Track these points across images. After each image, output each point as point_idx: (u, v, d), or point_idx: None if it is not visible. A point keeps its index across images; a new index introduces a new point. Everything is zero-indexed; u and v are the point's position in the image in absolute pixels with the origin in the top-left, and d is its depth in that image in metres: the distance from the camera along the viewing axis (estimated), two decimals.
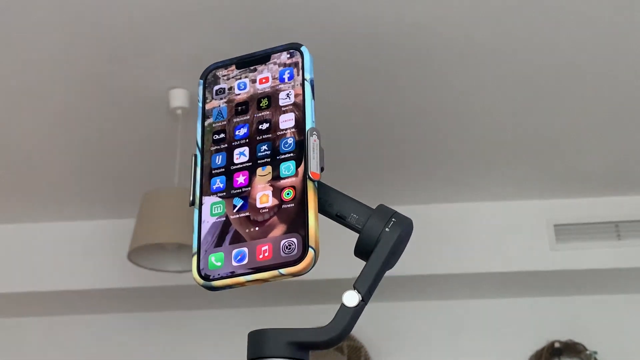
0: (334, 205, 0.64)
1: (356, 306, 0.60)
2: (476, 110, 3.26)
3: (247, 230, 0.60)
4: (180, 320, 4.36)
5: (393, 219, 0.63)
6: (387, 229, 0.62)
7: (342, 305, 0.60)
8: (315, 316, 4.22)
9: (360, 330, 4.23)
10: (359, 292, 0.61)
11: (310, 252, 0.58)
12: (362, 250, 0.63)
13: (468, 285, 4.12)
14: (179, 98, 3.05)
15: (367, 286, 0.61)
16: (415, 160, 3.67)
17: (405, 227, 0.64)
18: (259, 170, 0.62)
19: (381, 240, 0.62)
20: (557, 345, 4.08)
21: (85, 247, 4.13)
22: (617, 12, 2.65)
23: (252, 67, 0.68)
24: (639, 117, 3.32)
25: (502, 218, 4.07)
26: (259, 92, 0.66)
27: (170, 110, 3.08)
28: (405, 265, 4.21)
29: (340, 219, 0.64)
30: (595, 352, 4.02)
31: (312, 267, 0.58)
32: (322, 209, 0.63)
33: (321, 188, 0.63)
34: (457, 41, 2.80)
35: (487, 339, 4.18)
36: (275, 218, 0.60)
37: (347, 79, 3.01)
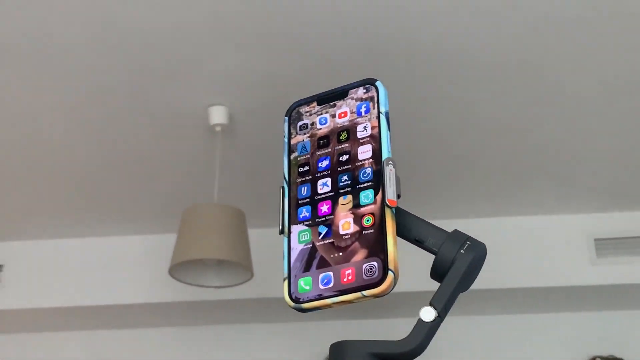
0: (412, 230, 0.68)
1: (432, 321, 0.64)
2: (517, 126, 3.24)
3: (331, 256, 0.64)
4: (219, 334, 4.38)
5: (468, 242, 0.67)
6: (462, 251, 0.67)
7: (420, 320, 0.64)
8: (359, 329, 4.26)
9: None
10: (435, 309, 0.65)
11: (390, 274, 0.61)
12: (438, 271, 0.67)
13: (508, 300, 4.09)
14: (218, 115, 3.08)
15: (443, 303, 0.65)
16: (455, 175, 3.67)
17: (479, 251, 0.68)
18: (341, 199, 0.66)
19: (457, 262, 0.66)
20: None
21: (126, 262, 4.17)
22: None
23: (331, 103, 0.72)
24: None
25: (542, 232, 4.04)
26: (339, 126, 0.70)
27: (210, 127, 3.11)
28: None
29: (418, 242, 0.68)
30: None
31: (392, 289, 0.62)
32: (401, 233, 0.66)
33: (399, 213, 0.66)
34: (496, 59, 2.80)
35: (527, 354, 4.14)
36: (357, 244, 0.64)
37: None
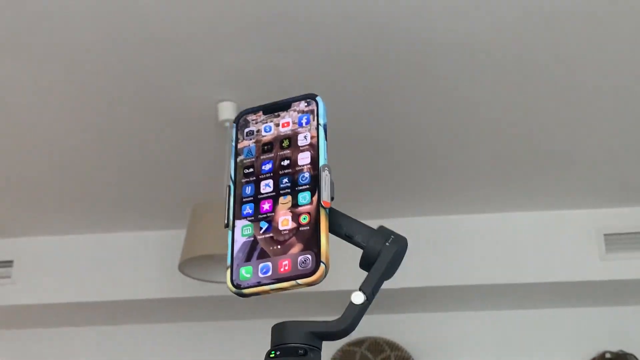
0: (343, 227, 0.77)
1: (362, 304, 0.73)
2: (524, 118, 3.24)
3: (271, 248, 0.72)
4: (228, 329, 4.40)
5: (392, 236, 0.77)
6: (387, 244, 0.76)
7: (350, 302, 0.73)
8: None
9: (408, 341, 4.22)
10: (364, 293, 0.73)
11: (322, 266, 0.70)
12: (366, 262, 0.76)
13: (517, 295, 4.09)
14: (227, 111, 3.08)
15: (371, 288, 0.74)
16: (465, 171, 3.67)
17: (402, 244, 0.77)
18: (281, 199, 0.75)
19: (382, 253, 0.75)
20: (607, 355, 4.03)
21: (135, 258, 4.19)
22: None
23: (276, 113, 0.81)
24: None
25: (552, 228, 4.03)
26: (282, 134, 0.79)
27: (219, 123, 3.12)
28: (455, 275, 4.22)
29: (348, 237, 0.77)
30: None
31: (324, 279, 0.70)
32: (333, 230, 0.75)
33: (332, 213, 0.75)
34: (497, 54, 2.80)
35: (536, 349, 4.14)
36: (294, 238, 0.72)
37: (357, 89, 3.03)
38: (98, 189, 3.82)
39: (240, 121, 0.82)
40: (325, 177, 0.74)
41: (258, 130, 0.80)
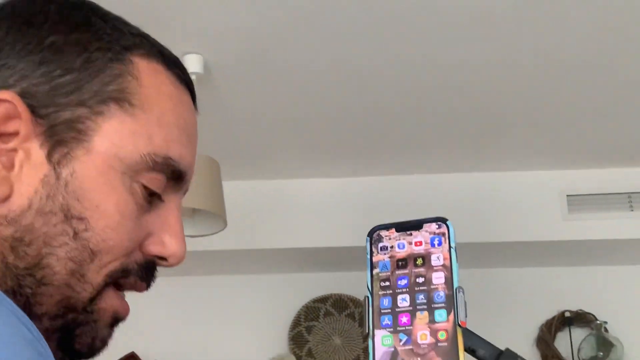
0: (468, 341, 0.86)
1: None
2: (487, 80, 3.24)
3: (411, 359, 0.77)
4: (192, 285, 4.40)
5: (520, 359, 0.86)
6: None
7: None
8: (318, 284, 4.30)
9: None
10: None
11: None
12: None
13: (479, 254, 4.13)
14: (193, 64, 3.05)
15: None
16: (427, 131, 3.67)
17: None
18: (418, 314, 0.79)
19: None
20: (567, 314, 4.10)
21: None
22: None
23: (408, 232, 0.85)
24: None
25: (515, 188, 4.07)
26: (415, 252, 0.83)
27: None
28: None
29: (472, 351, 0.86)
30: (606, 322, 4.04)
31: None
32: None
33: (465, 333, 0.82)
34: (468, 14, 2.79)
35: (498, 308, 4.20)
36: (433, 352, 0.76)
37: (345, 38, 3.01)
38: None
39: (374, 236, 0.86)
40: (460, 298, 0.80)
41: (392, 247, 0.84)
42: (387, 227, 0.86)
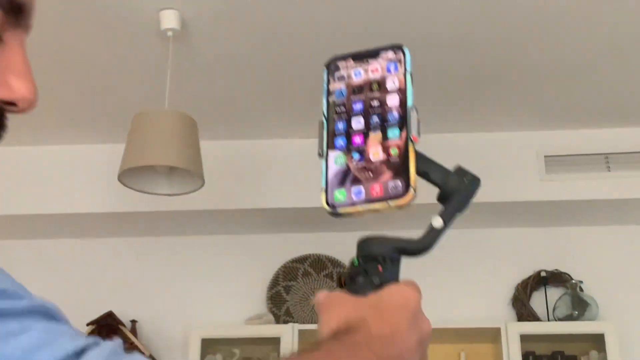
0: (421, 165, 0.83)
1: (440, 228, 0.83)
2: (461, 38, 3.23)
3: (363, 175, 0.81)
4: (171, 245, 4.39)
5: (469, 175, 0.86)
6: (465, 181, 0.85)
7: (431, 226, 0.83)
8: (297, 244, 4.30)
9: (350, 257, 4.26)
10: (444, 220, 0.83)
11: (411, 190, 0.79)
12: (444, 197, 0.85)
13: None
14: (170, 19, 3.01)
15: (449, 217, 0.84)
16: None
17: (477, 183, 0.86)
18: (372, 134, 0.83)
19: (461, 189, 0.85)
20: (543, 274, 4.14)
21: (77, 171, 4.13)
22: None
23: (365, 60, 0.89)
24: (631, 51, 3.31)
25: (492, 149, 4.07)
26: (371, 78, 0.87)
27: (161, 32, 3.05)
28: None
29: (424, 174, 0.84)
30: (581, 282, 4.08)
31: (412, 202, 0.79)
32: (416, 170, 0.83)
33: (417, 155, 0.83)
34: None
35: (475, 267, 4.23)
36: (384, 167, 0.80)
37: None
38: (38, 101, 3.72)
39: (331, 66, 0.89)
40: (413, 117, 0.83)
41: (348, 75, 0.88)
42: (344, 57, 0.90)
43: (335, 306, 0.77)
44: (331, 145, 0.84)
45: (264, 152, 4.12)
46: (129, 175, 2.98)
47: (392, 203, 0.79)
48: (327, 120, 0.86)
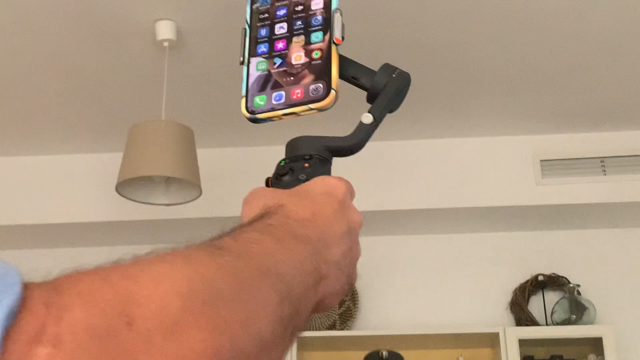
0: (349, 70, 0.82)
1: (370, 124, 0.80)
2: (457, 43, 3.23)
3: (284, 80, 0.79)
4: None
5: (397, 70, 0.84)
6: (393, 75, 0.83)
7: (360, 122, 0.80)
8: None
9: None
10: (372, 115, 0.81)
11: (332, 92, 0.77)
12: (373, 95, 0.82)
13: (454, 219, 4.15)
14: (165, 30, 3.01)
15: (379, 112, 0.81)
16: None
17: (406, 77, 0.85)
18: (295, 39, 0.81)
19: (389, 84, 0.83)
20: (540, 278, 4.14)
21: (74, 181, 4.12)
22: None
23: None
24: (626, 54, 3.31)
25: (489, 153, 4.08)
26: None
27: (157, 43, 3.05)
28: (393, 199, 4.23)
29: (354, 79, 0.82)
30: (578, 285, 4.09)
31: (334, 104, 0.77)
32: (341, 74, 0.80)
33: (341, 59, 0.80)
34: None
35: (472, 271, 4.23)
36: (306, 71, 0.78)
37: None
38: (34, 111, 3.73)
39: None
40: (337, 18, 0.80)
41: None
42: None
43: (255, 198, 0.72)
44: (253, 53, 0.82)
45: (260, 159, 4.11)
46: (127, 185, 2.98)
47: (313, 105, 0.77)
48: (250, 27, 0.84)
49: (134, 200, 3.09)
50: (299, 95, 0.78)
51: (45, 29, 3.06)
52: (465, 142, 4.10)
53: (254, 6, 0.86)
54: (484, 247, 4.29)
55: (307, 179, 0.75)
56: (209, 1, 2.91)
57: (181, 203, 3.13)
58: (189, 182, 2.92)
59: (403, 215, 4.08)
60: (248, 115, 0.79)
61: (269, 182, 0.77)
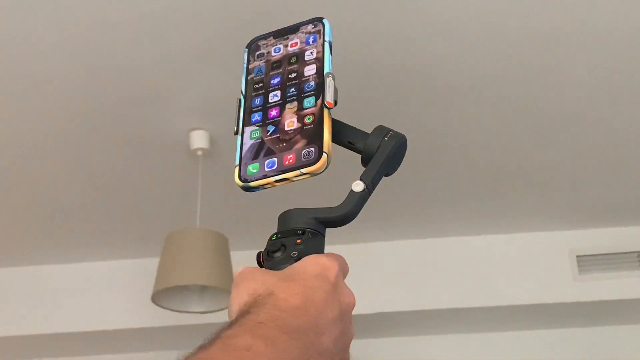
0: (346, 135, 0.82)
1: (361, 191, 0.78)
2: (495, 142, 3.26)
3: (277, 146, 0.79)
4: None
5: (390, 132, 0.82)
6: (385, 139, 0.81)
7: (351, 191, 0.78)
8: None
9: None
10: (364, 182, 0.78)
11: (324, 155, 0.76)
12: (367, 158, 0.81)
13: (491, 318, 4.10)
14: (199, 139, 3.08)
15: (370, 178, 0.79)
16: (438, 195, 3.68)
17: (400, 138, 0.82)
18: (288, 105, 0.81)
19: (381, 147, 0.81)
20: None
21: (108, 287, 4.15)
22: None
23: (285, 36, 0.88)
24: None
25: (525, 250, 4.05)
26: (290, 52, 0.86)
27: (191, 152, 3.11)
28: (426, 299, 4.18)
29: (350, 144, 0.82)
30: None
31: (326, 168, 0.76)
32: (337, 140, 0.81)
33: (336, 123, 0.81)
34: (467, 77, 2.82)
35: None
36: (298, 136, 0.78)
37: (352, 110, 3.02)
38: (70, 219, 3.78)
39: (252, 46, 0.90)
40: (329, 82, 0.80)
41: (268, 52, 0.88)
42: (265, 36, 0.90)
43: (245, 281, 0.70)
44: (247, 122, 0.83)
45: None
46: (162, 294, 3.00)
47: (305, 170, 0.76)
48: (245, 97, 0.85)
49: (169, 309, 3.10)
50: (291, 160, 0.77)
51: (81, 139, 3.13)
52: (500, 239, 4.08)
53: (249, 77, 0.87)
54: (522, 345, 4.21)
55: (299, 257, 0.73)
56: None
57: (216, 310, 3.13)
58: (224, 290, 2.93)
59: (439, 315, 4.04)
60: (241, 183, 0.79)
61: (260, 258, 0.76)
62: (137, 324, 4.05)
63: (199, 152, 3.10)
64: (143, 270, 3.90)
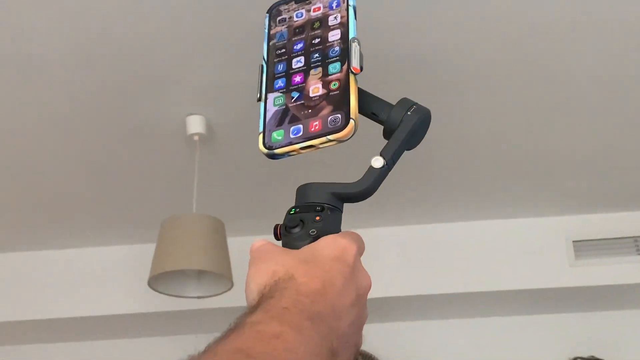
0: (370, 104, 0.80)
1: (381, 167, 0.76)
2: (492, 129, 3.26)
3: (302, 113, 0.77)
4: (200, 343, 4.36)
5: (414, 106, 0.80)
6: (408, 113, 0.79)
7: (370, 166, 0.76)
8: None
9: (380, 350, 4.21)
10: (383, 158, 0.77)
11: (351, 122, 0.74)
12: (389, 133, 0.79)
13: (488, 303, 4.11)
14: (196, 124, 3.07)
15: (391, 154, 0.77)
16: (434, 181, 3.68)
17: (424, 112, 0.80)
18: (312, 71, 0.80)
19: (404, 121, 0.79)
20: None
21: (105, 273, 4.15)
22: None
23: (307, 1, 0.87)
24: None
25: (521, 236, 4.06)
26: (313, 17, 0.85)
27: (188, 137, 3.11)
28: (426, 284, 4.20)
29: (374, 115, 0.80)
30: None
31: (353, 134, 0.74)
32: (360, 109, 0.78)
33: (361, 93, 0.79)
34: (469, 62, 2.82)
35: (508, 356, 4.16)
36: (324, 102, 0.77)
37: None
38: (66, 206, 3.78)
39: (273, 11, 0.88)
40: (355, 48, 0.78)
41: (290, 17, 0.86)
42: (286, 1, 0.89)
43: (264, 260, 0.70)
44: (270, 88, 0.81)
45: None
46: (159, 279, 3.00)
47: (332, 136, 0.74)
48: (267, 64, 0.84)
49: (166, 294, 3.10)
50: (317, 127, 0.76)
51: (78, 125, 3.13)
52: (497, 224, 4.09)
53: (271, 43, 0.86)
54: (519, 330, 4.22)
55: (317, 235, 0.73)
56: (236, 96, 2.96)
57: (213, 295, 3.13)
58: (220, 274, 2.93)
59: (436, 300, 4.05)
60: (265, 150, 0.78)
61: (277, 231, 0.75)
62: (135, 310, 4.05)
63: (196, 138, 3.10)
64: (140, 256, 3.90)
